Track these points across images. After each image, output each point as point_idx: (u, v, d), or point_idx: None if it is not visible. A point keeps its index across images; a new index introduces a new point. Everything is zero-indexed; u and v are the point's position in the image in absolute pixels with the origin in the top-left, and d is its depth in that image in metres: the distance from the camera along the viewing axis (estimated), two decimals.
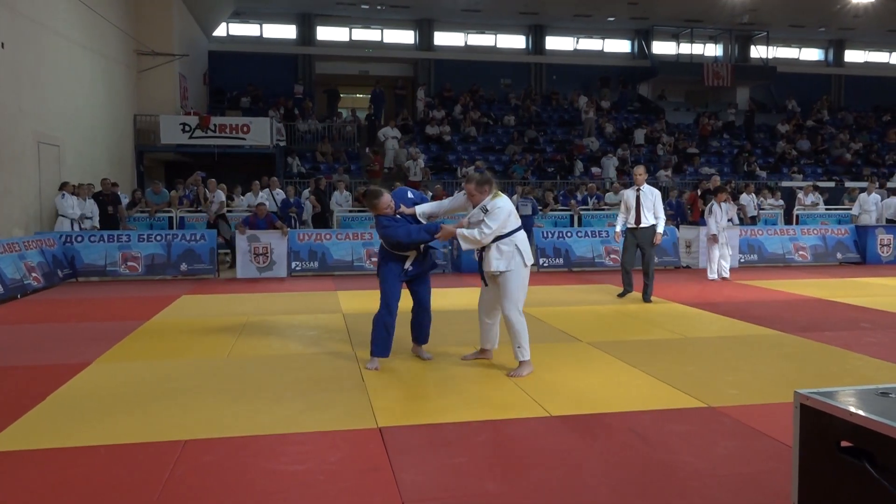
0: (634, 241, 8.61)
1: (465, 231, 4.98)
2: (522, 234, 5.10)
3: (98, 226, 12.25)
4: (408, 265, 5.22)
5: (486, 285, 5.26)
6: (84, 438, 3.78)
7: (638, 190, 8.54)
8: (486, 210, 4.93)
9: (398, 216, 5.14)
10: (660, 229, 8.52)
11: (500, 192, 5.09)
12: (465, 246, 5.06)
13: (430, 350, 5.66)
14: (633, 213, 8.53)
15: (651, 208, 8.47)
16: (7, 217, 11.11)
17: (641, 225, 8.48)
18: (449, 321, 7.08)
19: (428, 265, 5.37)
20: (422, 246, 5.22)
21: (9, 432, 3.89)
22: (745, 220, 14.28)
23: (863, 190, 15.51)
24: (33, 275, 9.74)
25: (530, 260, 5.07)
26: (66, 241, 11.04)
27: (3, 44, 11.05)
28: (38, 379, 5.01)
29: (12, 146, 11.35)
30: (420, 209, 5.25)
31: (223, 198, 13.32)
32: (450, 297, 8.64)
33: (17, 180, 11.48)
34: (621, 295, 8.79)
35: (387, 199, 5.10)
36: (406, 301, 5.36)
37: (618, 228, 8.97)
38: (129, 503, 3.04)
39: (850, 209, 15.57)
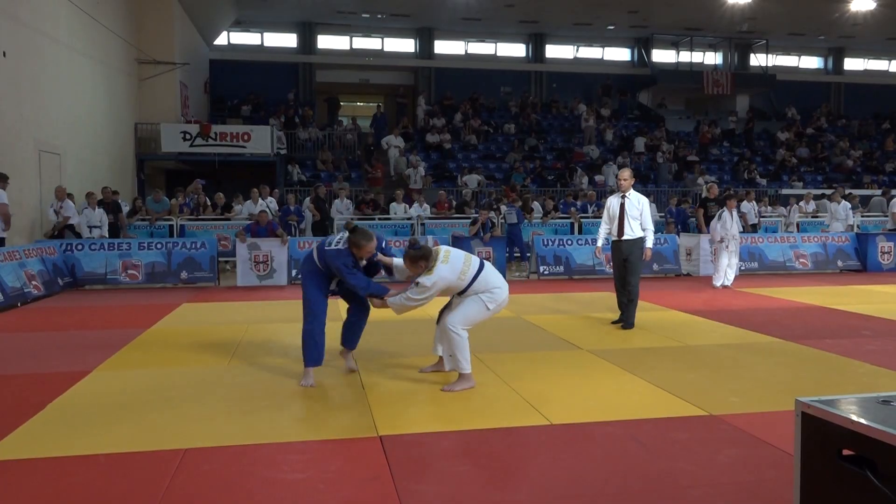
0: (620, 255, 7.40)
1: (392, 300, 4.88)
2: (483, 276, 4.85)
3: (107, 234, 12.20)
4: (333, 286, 5.15)
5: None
6: (84, 447, 3.77)
7: (623, 197, 7.33)
8: (416, 284, 4.75)
9: (367, 262, 5.06)
10: (648, 243, 7.32)
11: (435, 266, 4.70)
12: (397, 313, 4.96)
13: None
14: (615, 223, 7.35)
15: (637, 217, 7.29)
16: None
17: (624, 237, 7.29)
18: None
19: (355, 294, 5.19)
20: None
21: (8, 441, 3.88)
22: (746, 227, 14.28)
23: (830, 199, 15.52)
24: (33, 283, 9.74)
25: (493, 304, 4.87)
26: (67, 250, 11.04)
27: (4, 53, 11.09)
28: (37, 387, 5.00)
29: (13, 155, 11.37)
30: (397, 262, 5.12)
31: (74, 209, 12.45)
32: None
33: (18, 189, 11.49)
34: (615, 322, 7.49)
35: (373, 246, 4.93)
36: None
37: (599, 243, 7.63)
38: None
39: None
